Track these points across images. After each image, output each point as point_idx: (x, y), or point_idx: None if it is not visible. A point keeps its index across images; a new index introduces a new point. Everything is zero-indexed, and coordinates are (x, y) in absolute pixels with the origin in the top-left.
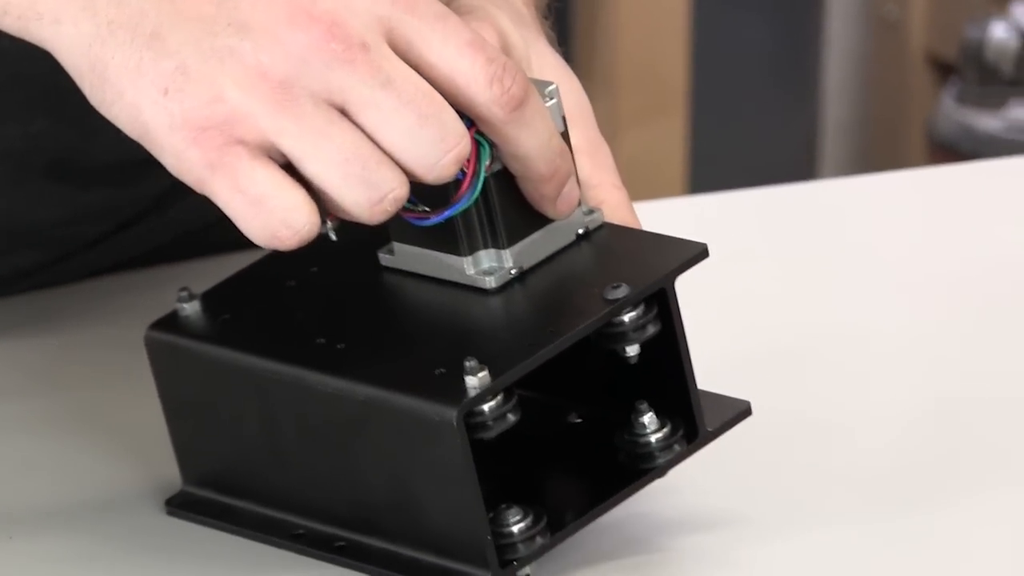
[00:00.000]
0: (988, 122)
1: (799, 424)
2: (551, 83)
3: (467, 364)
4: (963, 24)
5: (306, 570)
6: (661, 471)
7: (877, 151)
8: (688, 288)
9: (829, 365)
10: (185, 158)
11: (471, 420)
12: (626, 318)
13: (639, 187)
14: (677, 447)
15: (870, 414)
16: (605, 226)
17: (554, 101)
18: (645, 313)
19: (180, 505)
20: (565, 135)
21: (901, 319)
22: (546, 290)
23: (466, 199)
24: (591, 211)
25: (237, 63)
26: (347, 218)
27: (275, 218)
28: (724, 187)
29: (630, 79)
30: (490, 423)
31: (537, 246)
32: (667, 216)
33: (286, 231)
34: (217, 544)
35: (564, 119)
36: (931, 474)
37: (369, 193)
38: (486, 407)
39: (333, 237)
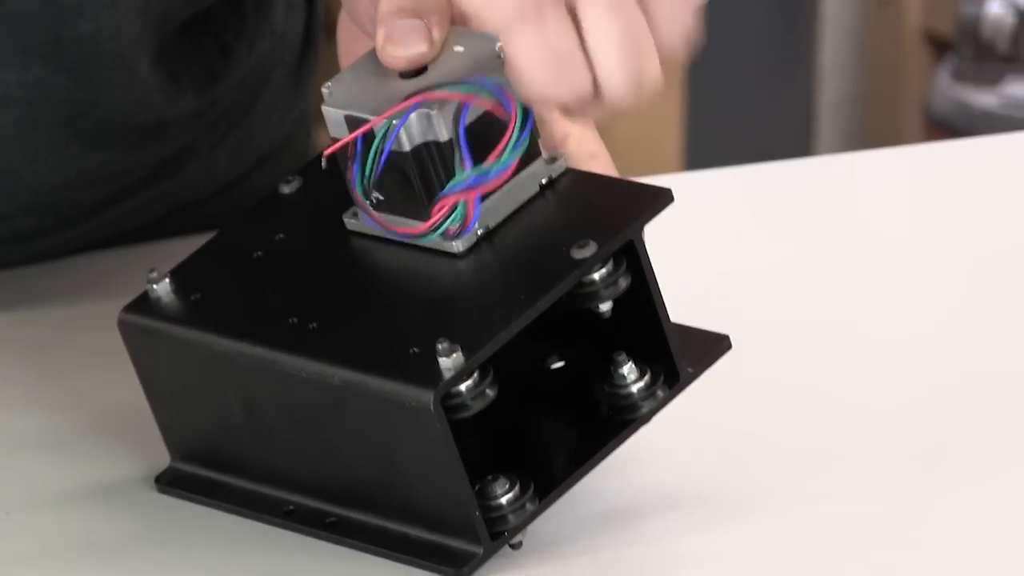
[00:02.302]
0: (984, 99)
1: (788, 401)
2: (497, 38)
3: (439, 346)
4: (959, 1)
5: (298, 546)
6: (645, 419)
7: (873, 128)
8: (681, 264)
9: (822, 343)
10: (498, 2)
11: (449, 402)
12: (596, 276)
13: (635, 164)
14: (660, 393)
15: (861, 392)
16: (568, 173)
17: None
18: (615, 268)
19: (169, 482)
20: None
21: (896, 296)
22: (513, 251)
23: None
24: (553, 158)
25: None
26: (609, 107)
27: (567, 77)
28: (720, 163)
29: None
30: (468, 403)
31: (501, 202)
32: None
33: (572, 92)
34: (208, 521)
35: None
36: (921, 453)
37: (633, 77)
38: (463, 387)
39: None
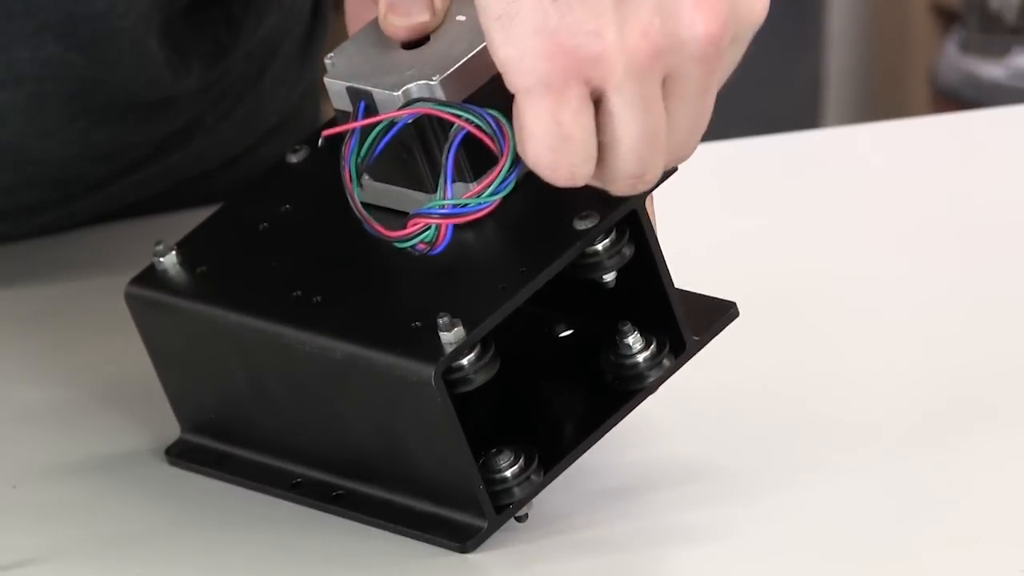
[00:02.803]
0: (991, 70)
1: (795, 373)
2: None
3: (440, 320)
4: None
5: (306, 518)
6: (651, 389)
7: (880, 99)
8: (687, 237)
9: (828, 315)
10: (527, 64)
11: (450, 376)
12: (599, 247)
13: None
14: (666, 362)
15: (868, 365)
16: None
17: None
18: (619, 238)
19: (179, 454)
20: None
21: (903, 267)
22: (517, 222)
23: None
24: None
25: (632, 11)
26: (600, 184)
27: (568, 160)
28: (727, 135)
29: None
30: (471, 376)
31: None
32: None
33: (566, 174)
34: (217, 493)
35: None
36: (924, 423)
37: (638, 171)
38: (464, 361)
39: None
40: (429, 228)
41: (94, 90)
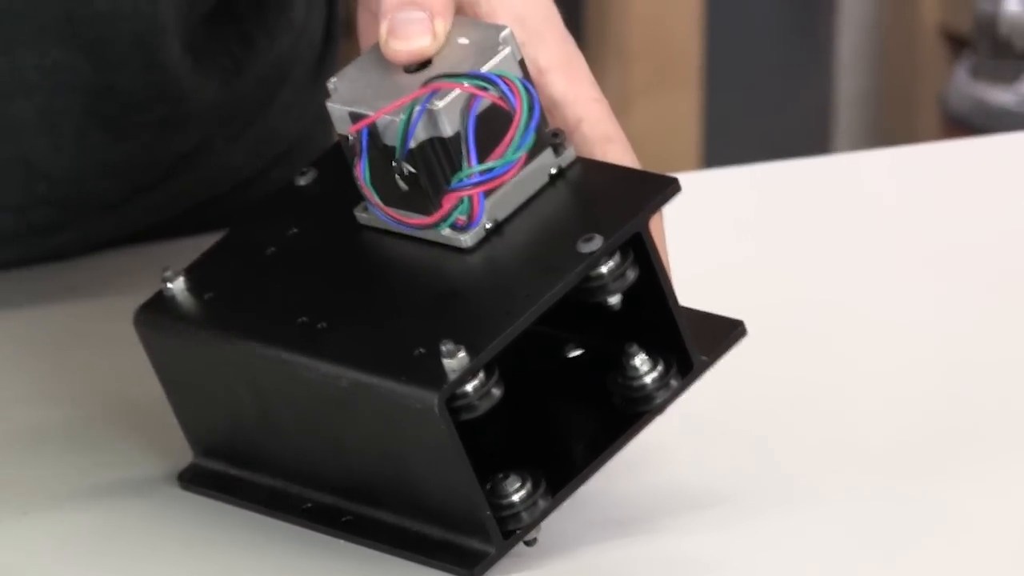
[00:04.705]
0: (1001, 96)
1: (803, 396)
2: (503, 27)
3: (443, 347)
4: None
5: (317, 543)
6: (659, 410)
7: (890, 125)
8: (697, 261)
9: (838, 340)
10: None
11: (454, 403)
12: (604, 269)
13: (651, 160)
14: (673, 383)
15: (878, 389)
16: (578, 162)
17: (508, 49)
18: (622, 260)
19: (191, 479)
20: (526, 76)
21: (912, 294)
22: (521, 245)
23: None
24: (560, 142)
25: None
26: None
27: None
28: (737, 160)
29: (642, 49)
30: (475, 403)
31: (510, 195)
32: (681, 190)
33: None
34: (228, 518)
35: (522, 62)
36: (945, 450)
37: None
38: (469, 387)
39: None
40: (463, 201)
41: (105, 102)
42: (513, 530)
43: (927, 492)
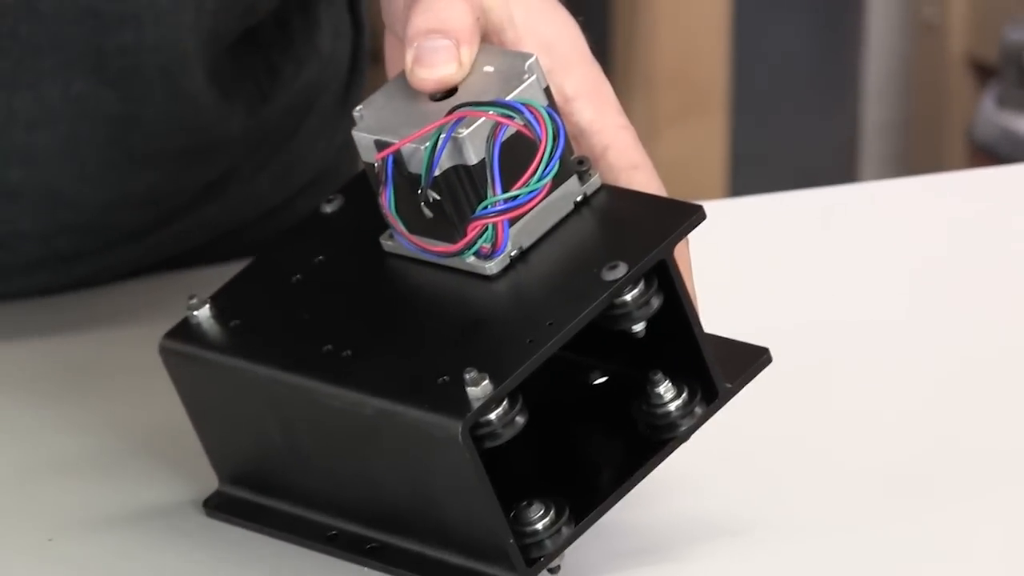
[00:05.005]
0: None
1: (828, 425)
2: (529, 56)
3: (467, 375)
4: (1003, 26)
5: (343, 571)
6: (683, 437)
7: (917, 154)
8: (724, 290)
9: (863, 369)
10: None
11: (478, 431)
12: (628, 297)
13: (678, 189)
14: (698, 410)
15: (904, 419)
16: (603, 189)
17: (533, 77)
18: (647, 288)
19: (217, 506)
20: (552, 105)
21: (940, 323)
22: (546, 273)
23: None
24: (586, 169)
25: None
26: None
27: None
28: (763, 189)
29: (669, 79)
30: (499, 431)
31: (535, 222)
32: (706, 218)
33: None
34: (254, 546)
35: (548, 90)
36: (938, 480)
37: None
38: (492, 416)
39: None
40: (487, 229)
41: (131, 131)
42: (537, 558)
43: (945, 520)
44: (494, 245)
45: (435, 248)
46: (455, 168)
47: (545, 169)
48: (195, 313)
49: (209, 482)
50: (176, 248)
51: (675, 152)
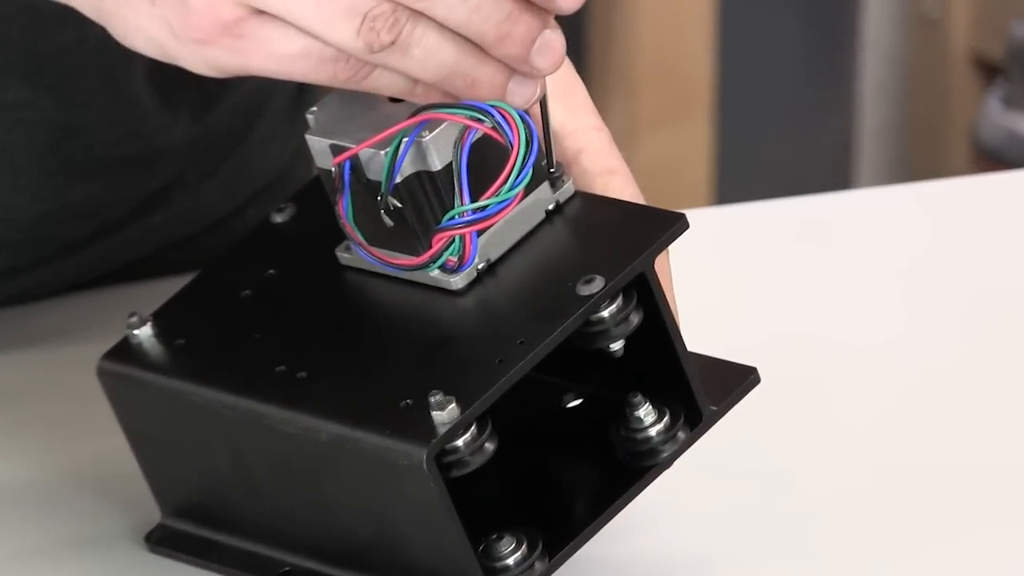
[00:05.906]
0: None
1: (819, 448)
2: None
3: (433, 399)
4: (1009, 22)
5: None
6: (665, 464)
7: (917, 158)
8: (710, 303)
9: (860, 382)
10: (207, 57)
11: (444, 459)
12: (605, 313)
13: (659, 196)
14: (681, 435)
15: (899, 439)
16: (577, 196)
17: None
18: (625, 303)
19: (160, 540)
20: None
21: (942, 335)
22: (516, 287)
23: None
24: (558, 175)
25: None
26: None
27: (323, 57)
28: (752, 197)
29: (650, 78)
30: (467, 458)
31: (505, 232)
32: (690, 227)
33: (335, 65)
34: None
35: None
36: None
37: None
38: (460, 442)
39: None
40: (454, 241)
41: (69, 140)
42: None
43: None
44: (461, 258)
45: (396, 261)
46: (418, 174)
47: (517, 177)
48: (136, 332)
49: (151, 514)
50: (116, 261)
51: (656, 157)
